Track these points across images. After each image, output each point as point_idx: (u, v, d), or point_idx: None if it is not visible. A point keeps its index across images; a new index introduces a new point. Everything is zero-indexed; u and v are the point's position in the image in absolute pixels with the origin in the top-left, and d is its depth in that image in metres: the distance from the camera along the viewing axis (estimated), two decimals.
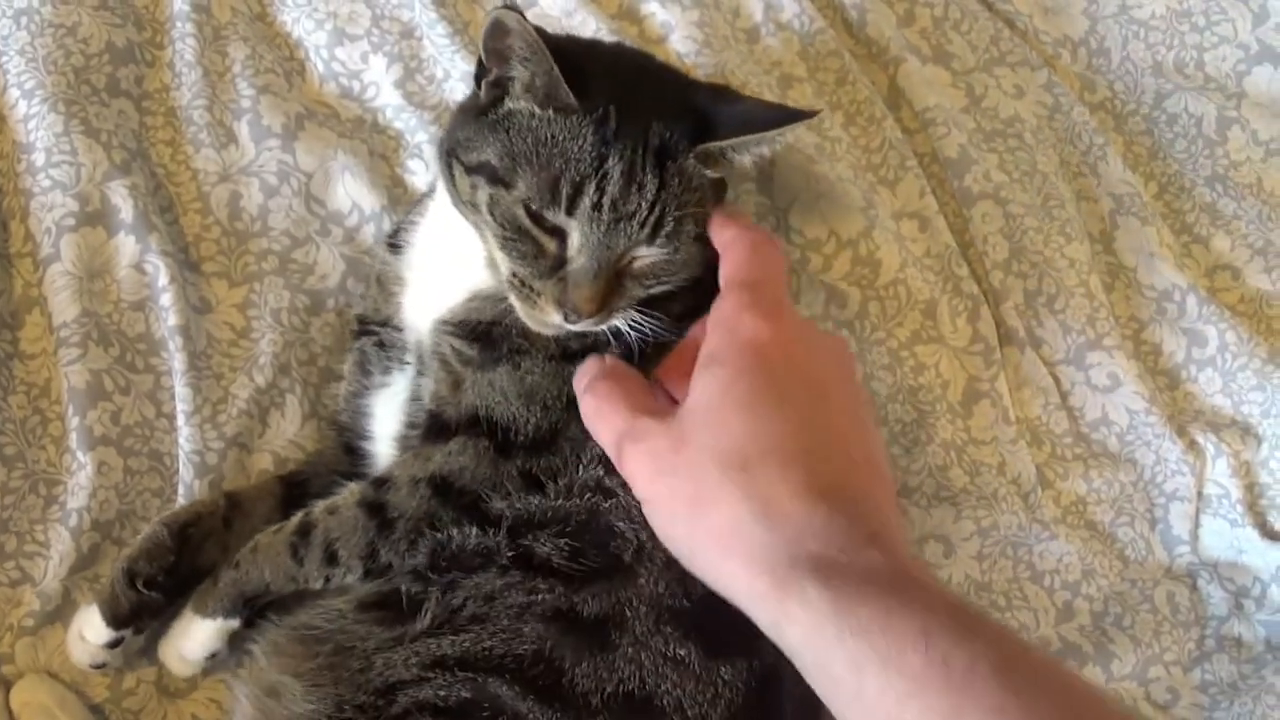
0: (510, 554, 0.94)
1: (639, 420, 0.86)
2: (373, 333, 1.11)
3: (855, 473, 0.83)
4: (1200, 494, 1.30)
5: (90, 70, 1.20)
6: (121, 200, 1.14)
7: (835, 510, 0.77)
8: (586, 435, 0.93)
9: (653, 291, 0.96)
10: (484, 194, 0.94)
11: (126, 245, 1.13)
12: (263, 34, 1.30)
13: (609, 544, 0.93)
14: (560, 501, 0.95)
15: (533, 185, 0.91)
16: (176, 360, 1.11)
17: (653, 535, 0.88)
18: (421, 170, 1.24)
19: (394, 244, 1.11)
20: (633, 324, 0.95)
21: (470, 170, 0.95)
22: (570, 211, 0.91)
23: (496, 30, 0.90)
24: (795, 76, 1.33)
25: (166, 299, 1.12)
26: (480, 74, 0.96)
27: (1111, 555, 1.28)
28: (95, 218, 1.13)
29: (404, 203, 1.21)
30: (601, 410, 0.90)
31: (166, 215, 1.17)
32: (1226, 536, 1.29)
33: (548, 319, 0.94)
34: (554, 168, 0.91)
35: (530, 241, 0.93)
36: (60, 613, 1.04)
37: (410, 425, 1.06)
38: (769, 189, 1.25)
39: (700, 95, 0.99)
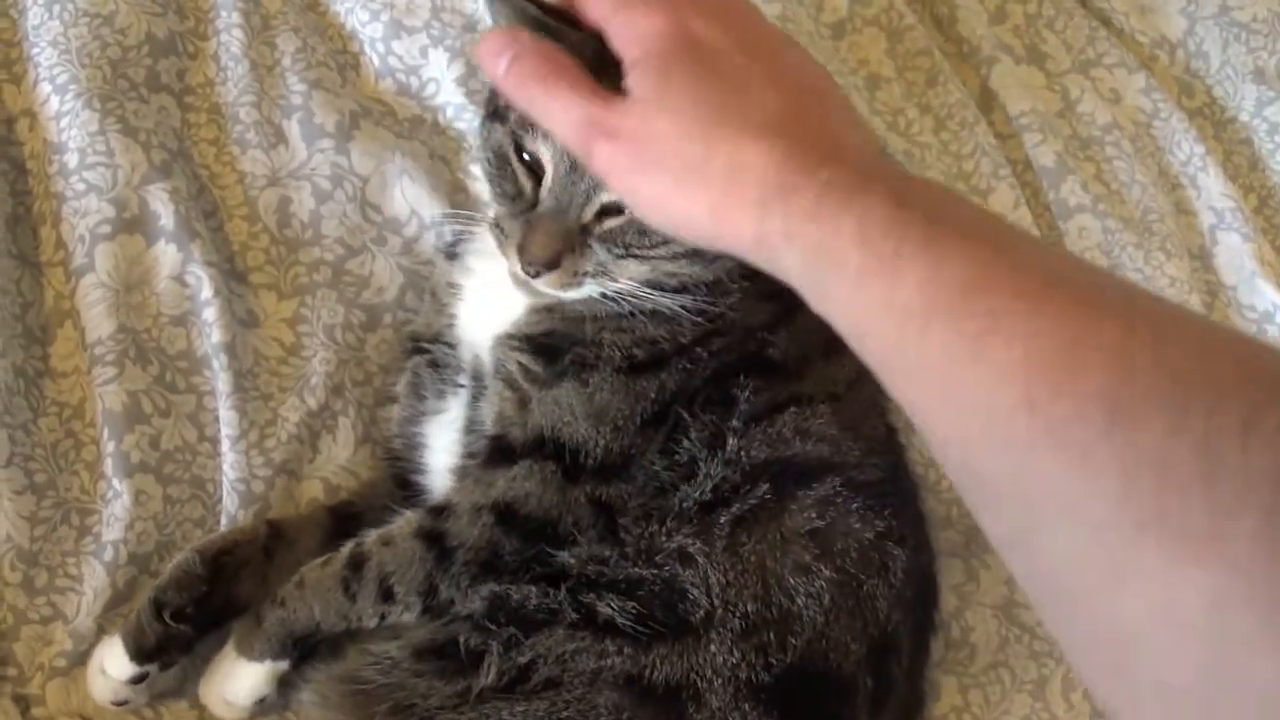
0: (574, 614, 0.89)
1: (594, 107, 0.75)
2: (425, 350, 1.06)
3: (797, 102, 0.74)
4: None
5: (128, 63, 1.14)
6: (161, 206, 1.08)
7: (790, 141, 0.70)
8: (666, 469, 0.91)
9: (631, 270, 0.90)
10: (484, 130, 0.93)
11: (167, 255, 1.07)
12: (315, 25, 1.24)
13: (677, 606, 0.89)
14: (636, 570, 0.90)
15: (521, 115, 0.87)
16: (221, 380, 1.05)
17: (726, 604, 0.87)
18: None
19: (452, 252, 1.07)
20: (617, 294, 0.90)
21: (486, 120, 0.94)
22: (545, 133, 0.86)
23: None
24: (883, 76, 1.28)
25: (210, 313, 1.06)
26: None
27: None
28: (133, 225, 1.07)
29: (466, 209, 1.15)
30: (551, 97, 0.76)
31: (210, 222, 1.11)
32: None
33: (514, 269, 0.90)
34: None
35: (511, 179, 0.90)
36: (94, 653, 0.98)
37: (469, 455, 1.00)
38: None
39: None
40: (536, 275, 0.88)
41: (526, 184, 0.89)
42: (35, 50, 1.13)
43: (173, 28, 1.18)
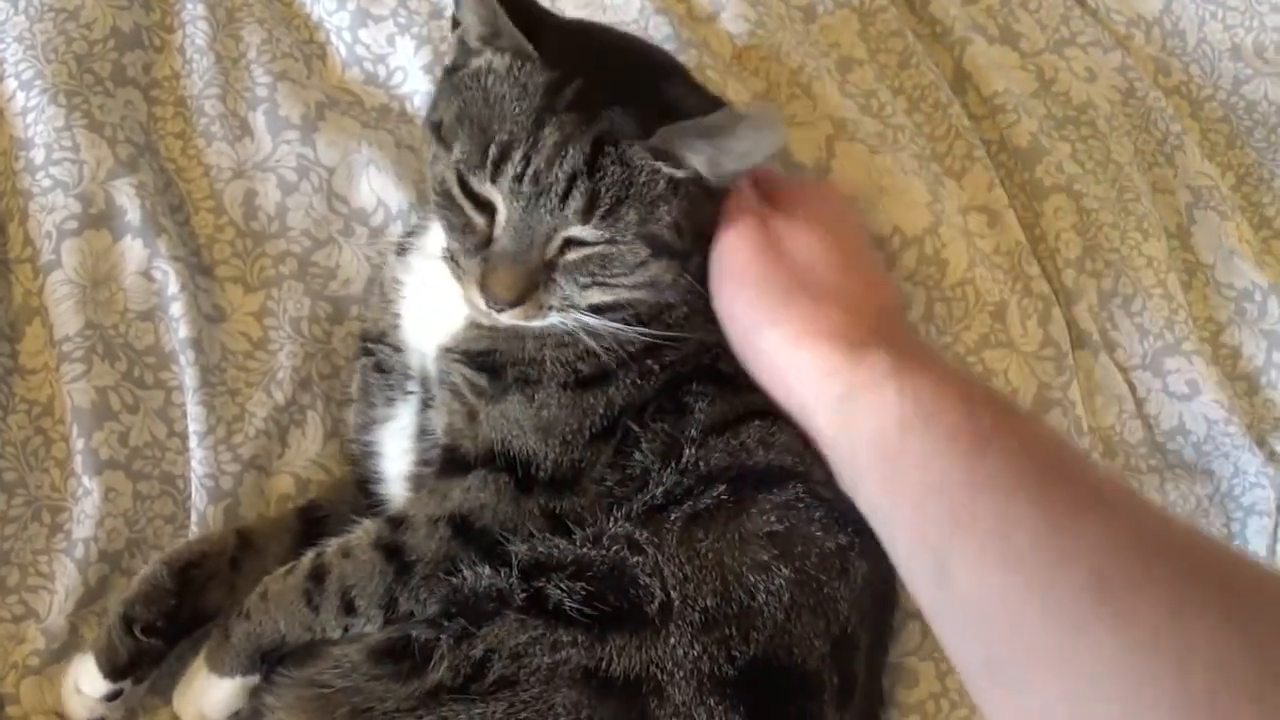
0: (523, 596, 0.87)
1: (765, 208, 0.95)
2: (370, 352, 1.04)
3: (885, 283, 1.00)
4: (1279, 507, 1.23)
5: (94, 58, 1.13)
6: (127, 200, 1.07)
7: (895, 321, 0.93)
8: (619, 484, 0.91)
9: (594, 298, 0.90)
10: (429, 154, 0.91)
11: (133, 250, 1.06)
12: (280, 15, 1.22)
13: (629, 591, 0.87)
14: (584, 550, 0.88)
15: (465, 146, 0.86)
16: (188, 375, 1.04)
17: (685, 597, 0.86)
18: None
19: (401, 247, 1.05)
20: (586, 327, 0.90)
21: (429, 128, 0.91)
22: (494, 178, 0.85)
23: None
24: (855, 59, 1.26)
25: (177, 308, 1.05)
26: (453, 28, 0.92)
27: None
28: (99, 220, 1.06)
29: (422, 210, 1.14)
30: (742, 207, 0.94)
31: (177, 215, 1.10)
32: None
33: (473, 301, 0.89)
34: (490, 130, 0.86)
35: (459, 212, 0.88)
36: (67, 650, 0.98)
37: (422, 462, 0.99)
38: (827, 181, 1.18)
39: (677, 90, 0.94)
40: (500, 311, 0.88)
41: (478, 219, 0.88)
42: (1, 46, 1.12)
43: (139, 21, 1.17)
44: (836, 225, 0.96)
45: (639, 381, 0.92)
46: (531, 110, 0.85)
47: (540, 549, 0.89)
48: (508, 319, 0.89)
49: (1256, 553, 1.22)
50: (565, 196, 0.85)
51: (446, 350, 0.96)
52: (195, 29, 1.18)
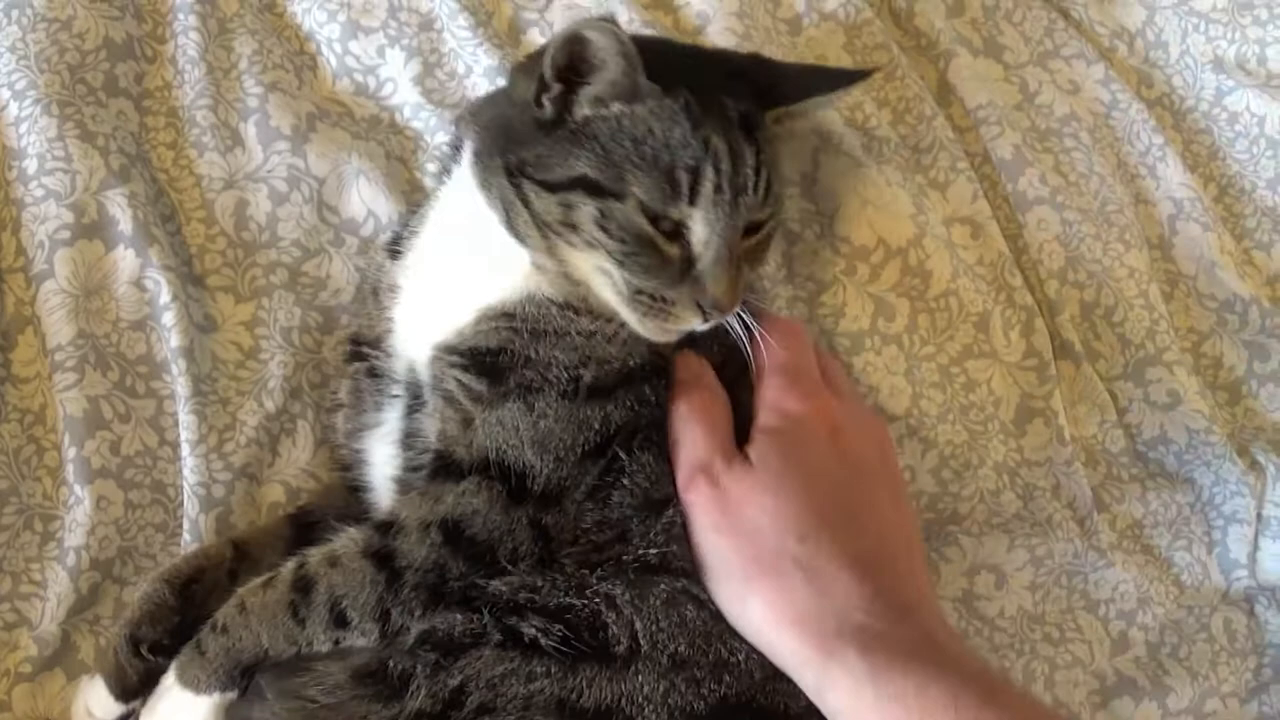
0: (499, 636, 0.88)
1: (717, 459, 0.91)
2: (365, 356, 1.03)
3: (892, 543, 0.92)
4: (1260, 516, 1.25)
5: (86, 68, 1.13)
6: (120, 210, 1.07)
7: (878, 582, 0.86)
8: (597, 526, 0.91)
9: (750, 278, 0.96)
10: (587, 211, 0.89)
11: (125, 260, 1.06)
12: (272, 26, 1.22)
13: (599, 633, 0.88)
14: (567, 599, 0.89)
15: (646, 185, 0.88)
16: (180, 385, 1.04)
17: (654, 645, 0.88)
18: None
19: (395, 249, 1.05)
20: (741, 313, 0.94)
21: (557, 188, 0.90)
22: (693, 200, 0.88)
23: (574, 42, 0.87)
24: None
25: (169, 318, 1.05)
26: (540, 90, 0.91)
27: (1168, 581, 1.23)
28: (92, 230, 1.06)
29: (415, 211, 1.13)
30: (689, 428, 0.93)
31: (168, 225, 1.10)
32: None
33: (684, 325, 0.92)
34: (663, 161, 0.88)
35: (653, 252, 0.89)
36: (59, 657, 0.98)
37: (409, 469, 0.98)
38: (812, 193, 1.19)
39: (745, 65, 1.01)
40: (714, 320, 0.91)
41: (670, 249, 0.90)
42: None
43: (131, 32, 1.17)
44: (796, 459, 0.92)
45: (636, 407, 0.93)
46: (688, 131, 0.88)
47: (521, 594, 0.89)
48: (712, 323, 0.92)
49: (1238, 560, 1.23)
50: (755, 188, 0.90)
51: (446, 351, 0.95)
52: (187, 40, 1.18)
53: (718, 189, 0.88)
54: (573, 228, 0.90)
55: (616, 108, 0.89)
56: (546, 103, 0.91)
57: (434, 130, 1.19)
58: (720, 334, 0.95)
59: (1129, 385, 1.25)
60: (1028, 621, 1.18)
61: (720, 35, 1.23)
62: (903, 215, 1.17)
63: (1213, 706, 1.21)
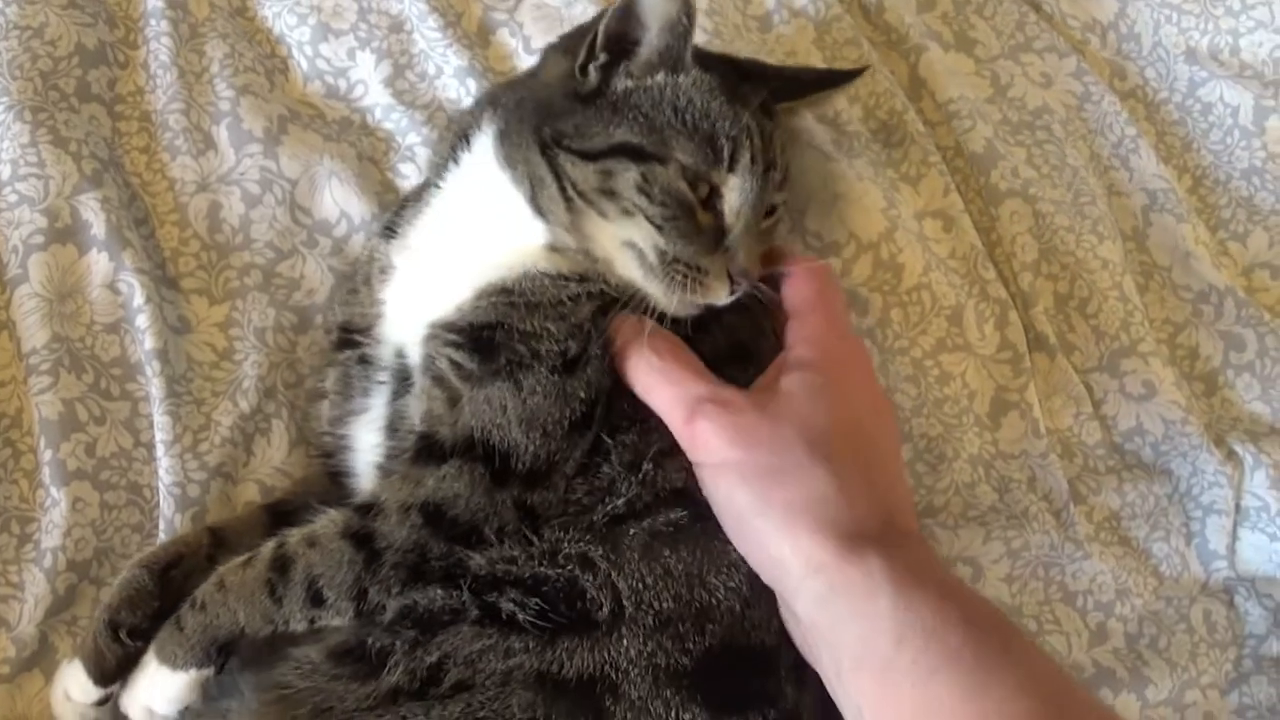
0: (477, 611, 0.89)
1: (720, 389, 0.91)
2: (356, 344, 1.04)
3: (905, 486, 0.96)
4: (1238, 506, 1.25)
5: (59, 74, 1.14)
6: (93, 215, 1.08)
7: (894, 513, 0.88)
8: (587, 494, 0.92)
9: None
10: (629, 177, 0.92)
11: (99, 263, 1.07)
12: (242, 30, 1.23)
13: (577, 604, 0.88)
14: (541, 568, 0.89)
15: (690, 150, 0.92)
16: (154, 386, 1.05)
17: (638, 604, 0.88)
18: (414, 174, 1.17)
19: (390, 231, 1.06)
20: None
21: (597, 156, 0.93)
22: (732, 167, 0.93)
23: (634, 5, 0.92)
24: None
25: (143, 320, 1.06)
26: (588, 59, 0.95)
27: (1146, 572, 1.22)
28: (65, 234, 1.07)
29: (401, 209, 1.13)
30: (668, 372, 0.92)
31: (142, 229, 1.11)
32: (1265, 550, 1.23)
33: (714, 296, 0.94)
34: (704, 129, 0.93)
35: (691, 218, 0.92)
36: (37, 658, 0.99)
37: (393, 455, 0.99)
38: (784, 189, 1.18)
39: (748, 64, 1.06)
40: (740, 292, 0.94)
41: (705, 216, 0.93)
42: None
43: (103, 38, 1.17)
44: (832, 395, 0.92)
45: (601, 355, 0.94)
46: (723, 104, 0.94)
47: (498, 565, 0.89)
48: (734, 297, 0.94)
49: (1216, 551, 1.23)
50: (779, 166, 0.98)
51: (445, 327, 0.96)
52: (159, 45, 1.18)
53: (754, 159, 0.93)
54: (610, 194, 0.92)
55: (660, 77, 0.94)
56: (592, 71, 0.94)
57: (405, 131, 1.19)
58: (719, 318, 0.97)
59: (1104, 377, 1.25)
60: (1005, 613, 1.17)
61: None
62: (874, 210, 1.17)
63: (1192, 697, 1.21)
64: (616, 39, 0.94)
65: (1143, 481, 1.24)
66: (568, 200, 0.94)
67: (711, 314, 0.96)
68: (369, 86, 1.22)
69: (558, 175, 0.94)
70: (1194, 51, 1.43)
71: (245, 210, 1.13)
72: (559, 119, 0.95)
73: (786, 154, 0.99)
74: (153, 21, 1.20)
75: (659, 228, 0.92)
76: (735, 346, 0.97)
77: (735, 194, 0.93)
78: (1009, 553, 1.18)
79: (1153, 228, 1.33)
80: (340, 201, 1.15)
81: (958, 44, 1.37)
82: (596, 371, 0.93)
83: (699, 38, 1.19)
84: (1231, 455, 1.25)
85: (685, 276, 0.92)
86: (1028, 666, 0.79)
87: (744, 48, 1.23)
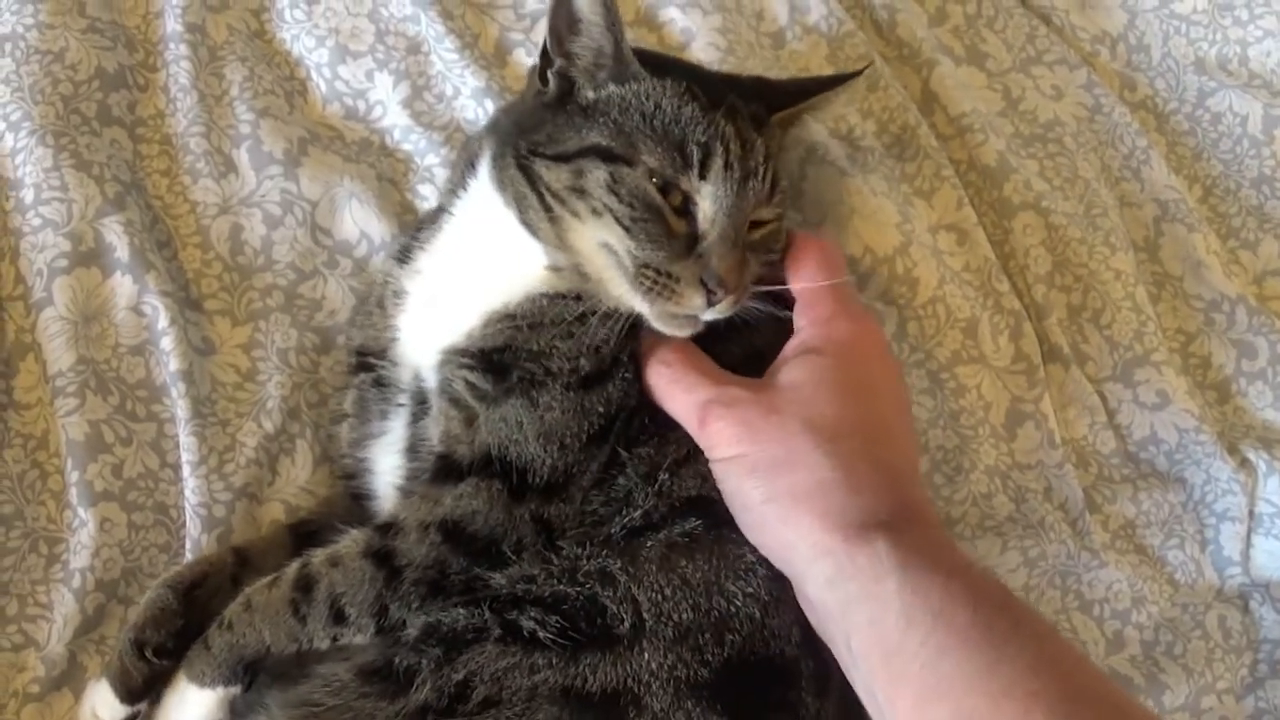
0: (499, 631, 0.90)
1: (728, 389, 0.92)
2: (371, 367, 1.05)
3: (914, 466, 0.95)
4: (1252, 513, 1.25)
5: (80, 98, 1.14)
6: (116, 238, 1.08)
7: (905, 494, 0.88)
8: (603, 504, 0.93)
9: (762, 271, 0.96)
10: (598, 175, 0.92)
11: (123, 286, 1.08)
12: (261, 53, 1.24)
13: (597, 620, 0.89)
14: (561, 587, 0.90)
15: (658, 154, 0.91)
16: (179, 407, 1.06)
17: (658, 616, 0.88)
18: (433, 195, 1.18)
19: (404, 256, 1.06)
20: (750, 305, 0.96)
21: (569, 158, 0.94)
22: (704, 174, 0.92)
23: (562, 4, 0.93)
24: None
25: (167, 342, 1.07)
26: (545, 66, 0.96)
27: (1161, 580, 1.23)
28: (89, 258, 1.08)
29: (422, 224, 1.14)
30: (678, 378, 0.93)
31: (165, 251, 1.12)
32: (1279, 556, 1.24)
33: (687, 305, 0.92)
34: (674, 135, 0.92)
35: (660, 220, 0.92)
36: (66, 678, 1.00)
37: (413, 477, 1.00)
38: (800, 204, 1.20)
39: (748, 79, 1.06)
40: (718, 304, 0.92)
41: (678, 223, 0.92)
42: None
43: (123, 61, 1.18)
44: (838, 376, 0.92)
45: (628, 376, 0.95)
46: (698, 112, 0.93)
47: (518, 585, 0.90)
48: (715, 312, 0.92)
49: (1231, 558, 1.24)
50: (764, 177, 0.94)
51: (456, 352, 0.97)
52: (178, 68, 1.19)
53: (727, 166, 0.92)
54: (581, 193, 0.93)
55: (615, 88, 0.94)
56: (551, 77, 0.95)
57: (424, 152, 1.20)
58: (738, 332, 0.97)
59: (1118, 386, 1.26)
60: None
61: (704, 51, 1.24)
62: (888, 224, 1.18)
63: (1209, 703, 1.22)
64: (563, 40, 0.95)
65: (1157, 490, 1.25)
66: (547, 209, 0.95)
67: (730, 329, 0.96)
68: (388, 108, 1.23)
69: (534, 183, 0.95)
70: (1203, 62, 1.43)
71: (267, 232, 1.14)
72: (533, 131, 0.97)
73: (777, 167, 0.97)
74: (172, 45, 1.20)
75: (627, 229, 0.92)
76: (752, 355, 0.98)
77: (709, 201, 0.92)
78: (1026, 562, 1.18)
79: (1164, 238, 1.33)
80: (360, 222, 1.15)
81: (969, 58, 1.38)
82: (620, 389, 0.94)
83: (712, 55, 1.22)
84: (1245, 463, 1.26)
85: (656, 283, 0.91)
86: (1038, 646, 0.79)
87: (757, 65, 1.24)
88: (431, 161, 1.19)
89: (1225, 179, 1.40)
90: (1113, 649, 1.20)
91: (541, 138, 0.95)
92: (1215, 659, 1.23)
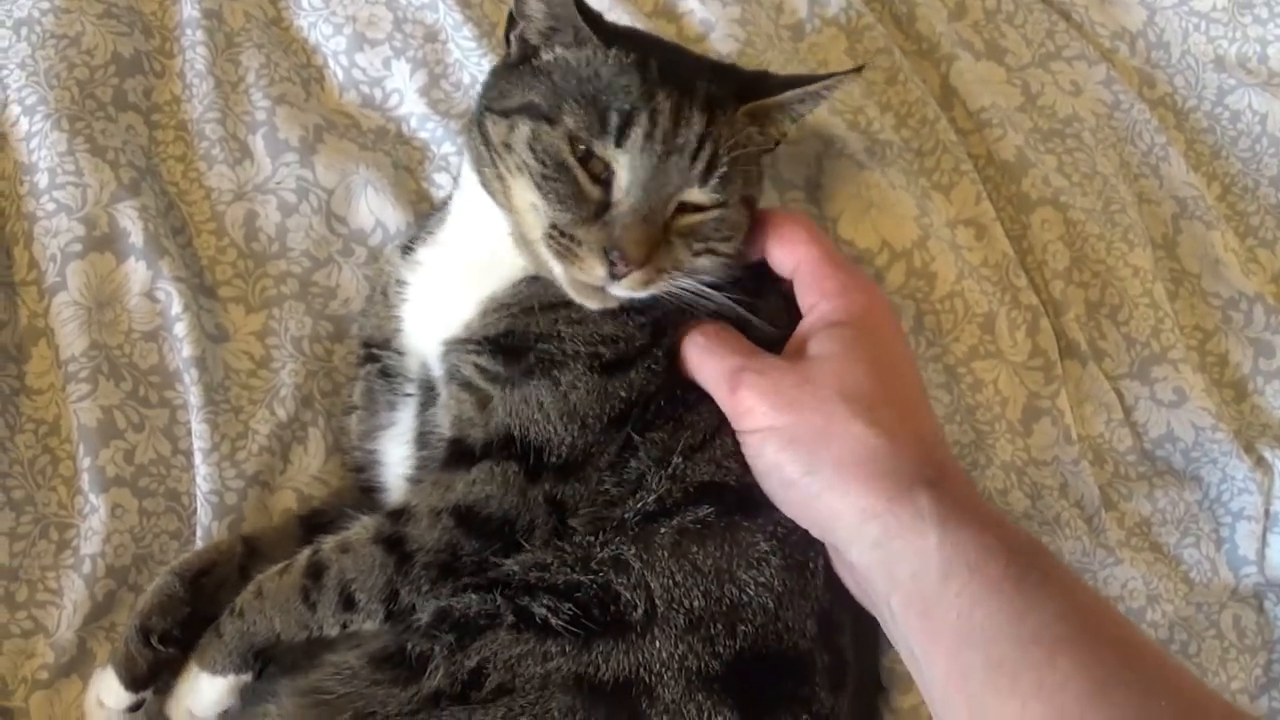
0: (512, 616, 0.89)
1: (759, 356, 0.93)
2: (378, 358, 1.05)
3: (938, 428, 0.96)
4: (1268, 512, 1.25)
5: (95, 83, 1.14)
6: (130, 223, 1.08)
7: (939, 458, 0.89)
8: (616, 485, 0.92)
9: (703, 264, 0.94)
10: (523, 131, 0.92)
11: (137, 271, 1.08)
12: (278, 40, 1.23)
13: (610, 607, 0.89)
14: (575, 575, 0.90)
15: (580, 117, 0.90)
16: (192, 394, 1.05)
17: (670, 603, 0.88)
18: (449, 183, 1.17)
19: (408, 247, 1.07)
20: (682, 288, 0.93)
21: (509, 114, 0.94)
22: (620, 142, 0.90)
23: None
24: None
25: (180, 328, 1.06)
26: (510, 28, 0.97)
27: (1176, 578, 1.22)
28: (103, 243, 1.08)
29: (431, 215, 1.14)
30: (712, 348, 0.94)
31: (179, 238, 1.11)
32: None
33: (589, 273, 0.90)
34: (602, 101, 0.91)
35: (571, 182, 0.91)
36: (76, 664, 1.00)
37: (423, 465, 1.00)
38: (817, 197, 1.20)
39: (740, 71, 1.03)
40: (623, 276, 0.90)
41: (591, 187, 0.91)
42: (4, 73, 1.13)
43: (139, 47, 1.18)
44: (865, 347, 0.93)
45: (654, 367, 0.94)
46: (639, 82, 0.91)
47: (531, 573, 0.90)
48: (623, 288, 0.91)
49: (1246, 557, 1.23)
50: (695, 157, 0.91)
51: (458, 342, 0.97)
52: (195, 54, 1.19)
53: (648, 137, 0.90)
54: (509, 148, 0.93)
55: (563, 50, 0.94)
56: (513, 40, 0.96)
57: (440, 140, 1.20)
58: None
59: (1135, 384, 1.25)
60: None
61: (723, 42, 1.24)
62: (907, 218, 1.17)
63: None
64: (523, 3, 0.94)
65: (1173, 488, 1.24)
66: (494, 165, 0.95)
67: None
68: (404, 96, 1.22)
69: (486, 139, 0.96)
70: (1222, 59, 1.43)
71: (281, 219, 1.13)
72: (490, 89, 0.98)
73: (734, 157, 0.93)
74: (188, 31, 1.20)
75: (538, 186, 0.91)
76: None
77: (625, 171, 0.90)
78: None
79: (1182, 235, 1.33)
80: (375, 210, 1.15)
81: (988, 53, 1.37)
82: (643, 376, 0.94)
83: (731, 47, 1.21)
84: (1261, 462, 1.25)
85: (561, 244, 0.91)
86: (1066, 596, 0.80)
87: (776, 57, 1.23)
88: (448, 150, 1.19)
89: (1244, 177, 1.39)
90: None
91: (494, 94, 0.97)
92: (1230, 659, 1.22)
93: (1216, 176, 1.40)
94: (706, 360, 0.94)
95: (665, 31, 1.25)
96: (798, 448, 0.88)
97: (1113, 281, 1.26)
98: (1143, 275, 1.26)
